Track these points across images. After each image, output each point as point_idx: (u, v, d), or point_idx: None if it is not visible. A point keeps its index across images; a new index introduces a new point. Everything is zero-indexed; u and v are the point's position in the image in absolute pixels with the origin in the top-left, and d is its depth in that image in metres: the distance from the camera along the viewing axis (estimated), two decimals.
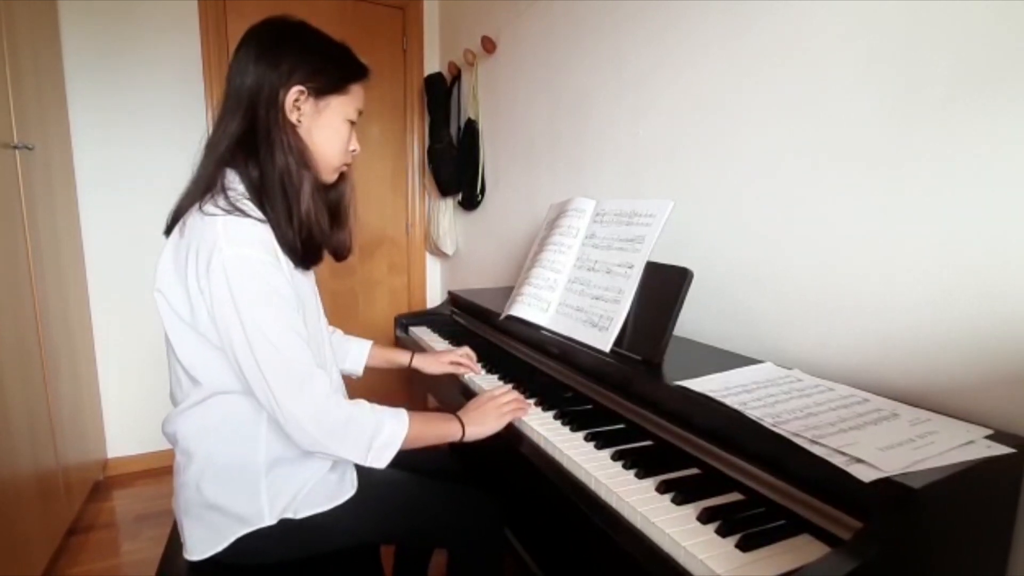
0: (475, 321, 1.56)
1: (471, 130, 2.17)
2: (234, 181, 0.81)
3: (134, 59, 2.02)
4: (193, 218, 0.77)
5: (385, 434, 0.81)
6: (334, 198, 0.94)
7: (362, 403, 0.82)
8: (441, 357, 1.26)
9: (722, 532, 0.62)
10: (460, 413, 0.93)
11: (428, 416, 0.89)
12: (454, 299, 1.74)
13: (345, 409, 0.79)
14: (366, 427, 0.80)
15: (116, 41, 1.99)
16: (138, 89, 2.04)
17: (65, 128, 1.92)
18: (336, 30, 0.89)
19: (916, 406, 0.76)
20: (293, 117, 0.82)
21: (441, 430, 0.90)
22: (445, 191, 2.37)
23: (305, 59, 0.82)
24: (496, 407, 0.95)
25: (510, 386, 1.03)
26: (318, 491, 0.85)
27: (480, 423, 0.92)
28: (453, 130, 2.32)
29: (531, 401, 1.02)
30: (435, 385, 1.40)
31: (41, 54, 1.70)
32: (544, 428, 0.92)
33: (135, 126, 2.05)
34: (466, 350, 1.27)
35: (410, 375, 1.31)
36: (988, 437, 0.67)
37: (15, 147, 1.43)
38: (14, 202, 1.43)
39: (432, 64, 2.56)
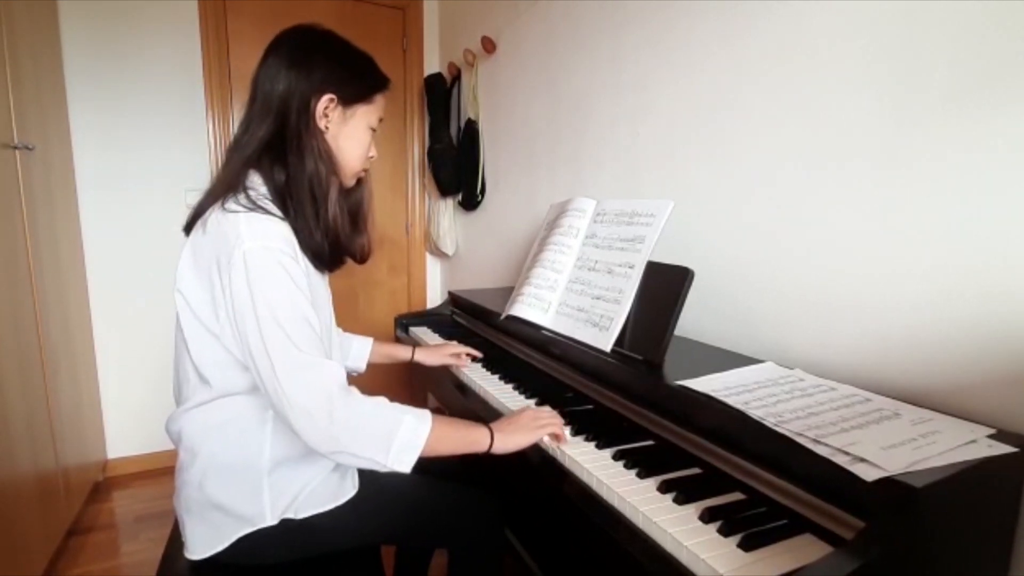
0: (475, 321, 1.56)
1: (471, 130, 2.17)
2: (256, 183, 0.82)
3: (134, 59, 2.02)
4: (215, 215, 0.78)
5: (405, 433, 0.76)
6: (354, 203, 0.96)
7: (381, 399, 0.79)
8: (442, 349, 1.30)
9: (724, 532, 0.62)
10: (492, 424, 0.88)
11: (453, 420, 0.85)
12: (454, 299, 1.74)
13: (360, 402, 0.76)
14: (384, 423, 0.76)
15: (116, 41, 1.99)
16: (138, 89, 2.04)
17: (65, 128, 1.92)
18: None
19: (918, 405, 0.76)
20: (322, 124, 0.85)
21: (467, 436, 0.84)
22: (445, 191, 2.37)
23: (337, 69, 0.85)
24: (531, 419, 0.88)
25: (546, 408, 0.95)
26: (320, 491, 0.84)
27: (511, 433, 0.86)
28: (453, 130, 2.32)
29: (566, 427, 0.90)
30: (434, 381, 1.40)
31: (41, 54, 1.70)
32: None
33: (135, 126, 2.05)
34: (466, 348, 1.31)
35: (410, 374, 1.31)
36: (990, 436, 0.67)
37: (15, 147, 1.43)
38: (14, 202, 1.43)
39: (432, 64, 2.56)
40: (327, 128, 0.86)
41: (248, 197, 0.79)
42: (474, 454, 0.84)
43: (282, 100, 0.82)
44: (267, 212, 0.78)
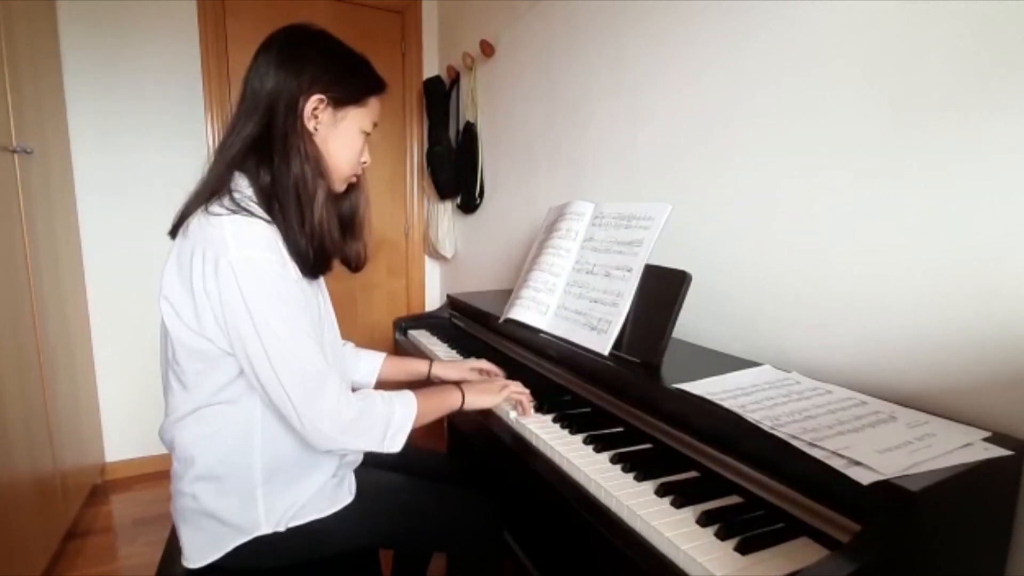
0: (474, 324, 1.56)
1: (470, 133, 2.18)
2: (242, 185, 0.80)
3: (133, 62, 2.02)
4: (197, 219, 0.76)
5: (397, 420, 0.84)
6: (348, 209, 0.94)
7: (371, 394, 0.85)
8: (461, 365, 1.21)
9: (721, 535, 0.62)
10: (463, 385, 0.98)
11: (431, 392, 0.93)
12: (453, 302, 1.74)
13: (357, 405, 0.81)
14: (379, 417, 0.82)
15: (115, 43, 1.99)
16: (137, 92, 2.04)
17: (64, 131, 1.92)
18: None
19: (914, 408, 0.76)
20: (310, 125, 0.82)
21: (444, 402, 0.94)
22: (444, 194, 2.37)
23: (328, 68, 0.82)
24: (499, 386, 1.00)
25: (518, 382, 1.06)
26: (317, 498, 0.84)
27: (480, 394, 0.97)
28: (452, 133, 2.32)
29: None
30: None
31: (40, 56, 1.70)
32: (543, 431, 0.92)
33: (134, 129, 2.05)
34: (486, 363, 1.22)
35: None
36: (986, 439, 0.67)
37: (14, 150, 1.43)
38: (12, 205, 1.43)
39: (431, 67, 2.57)
40: (316, 130, 0.83)
41: (232, 199, 0.76)
42: (472, 455, 0.85)
43: (269, 99, 0.80)
44: (251, 214, 0.76)
